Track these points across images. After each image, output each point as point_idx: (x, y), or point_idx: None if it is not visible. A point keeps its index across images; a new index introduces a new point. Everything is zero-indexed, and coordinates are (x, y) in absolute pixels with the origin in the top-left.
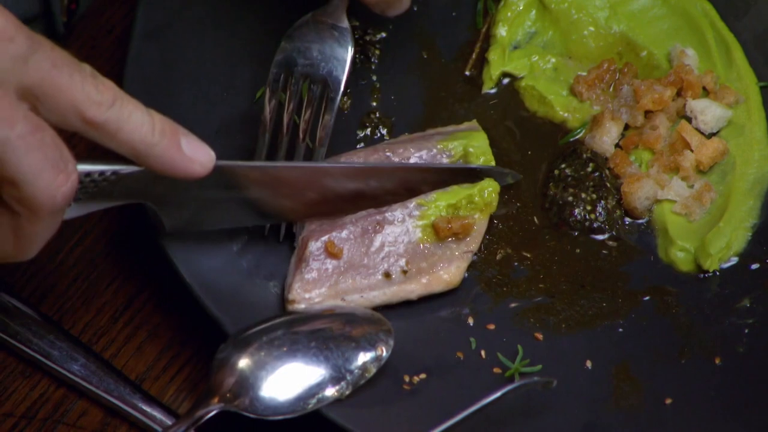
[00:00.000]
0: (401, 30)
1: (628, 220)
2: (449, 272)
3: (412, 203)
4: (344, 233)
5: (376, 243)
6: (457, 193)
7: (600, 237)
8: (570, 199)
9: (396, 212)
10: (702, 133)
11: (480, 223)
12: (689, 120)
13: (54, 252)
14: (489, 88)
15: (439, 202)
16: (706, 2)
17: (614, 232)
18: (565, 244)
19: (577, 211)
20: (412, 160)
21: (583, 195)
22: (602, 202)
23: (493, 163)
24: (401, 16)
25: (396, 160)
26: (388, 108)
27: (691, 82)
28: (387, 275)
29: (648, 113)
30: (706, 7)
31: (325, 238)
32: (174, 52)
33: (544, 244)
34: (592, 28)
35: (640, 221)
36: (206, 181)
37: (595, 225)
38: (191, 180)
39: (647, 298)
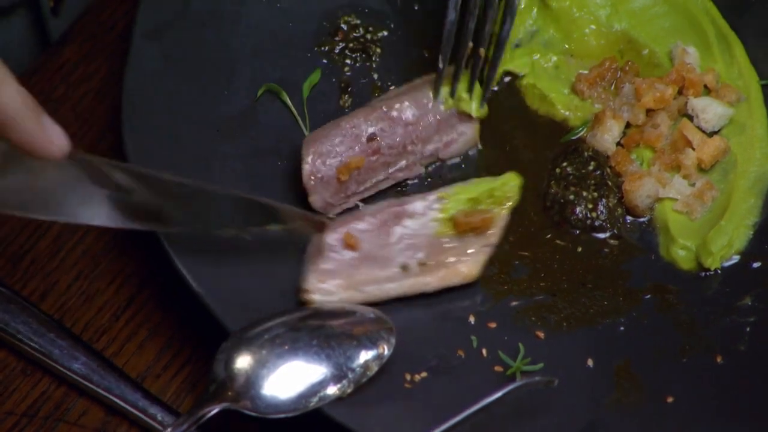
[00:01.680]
0: (402, 28)
1: (629, 218)
2: (467, 265)
3: (433, 196)
4: (363, 225)
5: (395, 235)
6: (478, 187)
7: (601, 235)
8: (571, 197)
9: (416, 205)
10: (703, 132)
11: (501, 217)
12: (691, 118)
13: (55, 250)
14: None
15: (460, 195)
16: (707, 0)
17: (615, 231)
18: (567, 242)
19: (578, 209)
20: (408, 113)
21: (585, 193)
22: (604, 200)
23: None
24: (402, 14)
25: (394, 114)
26: None
27: (692, 80)
28: (404, 268)
29: (649, 111)
30: (707, 5)
31: (343, 229)
32: (175, 51)
33: (545, 242)
34: (593, 26)
35: (642, 219)
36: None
37: (596, 223)
38: (48, 159)
39: (648, 296)
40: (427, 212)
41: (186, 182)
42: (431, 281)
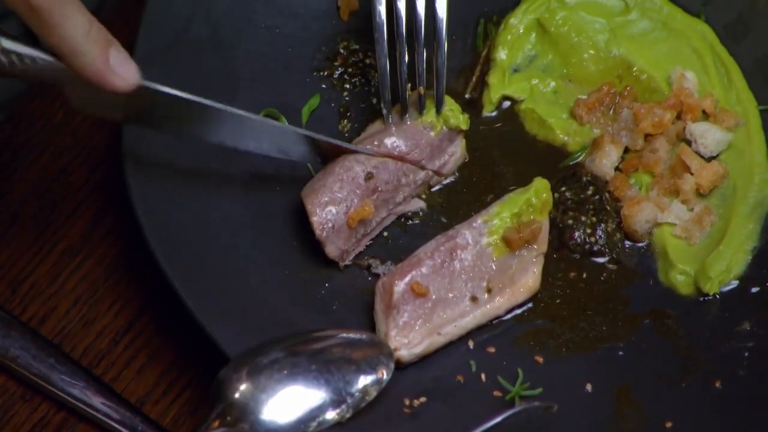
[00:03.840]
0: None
1: (628, 243)
2: (529, 279)
3: (478, 221)
4: (424, 269)
5: (456, 271)
6: (516, 201)
7: (600, 260)
8: (570, 222)
9: (465, 235)
10: (702, 157)
11: (545, 225)
12: (689, 143)
13: (54, 275)
14: (489, 111)
15: (503, 213)
16: (705, 26)
17: (614, 255)
18: (566, 267)
19: (577, 234)
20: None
21: (583, 218)
22: (602, 225)
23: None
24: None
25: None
26: None
27: (690, 105)
28: (473, 299)
29: (648, 136)
30: (705, 31)
31: (407, 279)
32: (174, 75)
33: (544, 266)
34: (592, 51)
35: (640, 244)
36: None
37: (595, 248)
38: (112, 92)
39: (647, 321)
40: (478, 239)
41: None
42: (502, 303)
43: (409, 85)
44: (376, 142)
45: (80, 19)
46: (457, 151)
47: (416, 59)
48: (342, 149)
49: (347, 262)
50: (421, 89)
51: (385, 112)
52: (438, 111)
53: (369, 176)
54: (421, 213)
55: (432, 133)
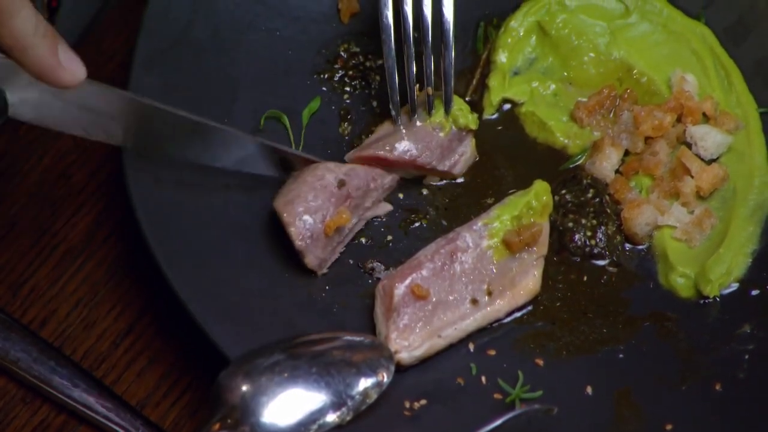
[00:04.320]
0: (401, 56)
1: (628, 245)
2: (530, 282)
3: (478, 224)
4: (425, 272)
5: (456, 273)
6: (516, 204)
7: (600, 263)
8: (570, 224)
9: (466, 238)
10: (702, 159)
11: (545, 227)
12: (689, 146)
13: (55, 278)
14: (490, 114)
15: (503, 216)
16: (705, 28)
17: (614, 258)
18: (566, 269)
19: (577, 236)
20: (413, 150)
21: (584, 221)
22: (602, 227)
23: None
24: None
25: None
26: None
27: (691, 108)
28: (474, 301)
29: (648, 139)
30: (705, 34)
31: (408, 281)
32: (174, 79)
33: (544, 269)
34: (592, 54)
35: (641, 247)
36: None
37: (595, 251)
38: (59, 88)
39: (648, 323)
40: (478, 242)
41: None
42: (502, 306)
43: (417, 86)
44: (387, 148)
45: (29, 13)
46: (467, 151)
47: (424, 60)
48: (310, 161)
49: (324, 271)
50: (430, 90)
51: (394, 113)
52: (447, 111)
53: (341, 183)
54: (383, 219)
55: (441, 134)
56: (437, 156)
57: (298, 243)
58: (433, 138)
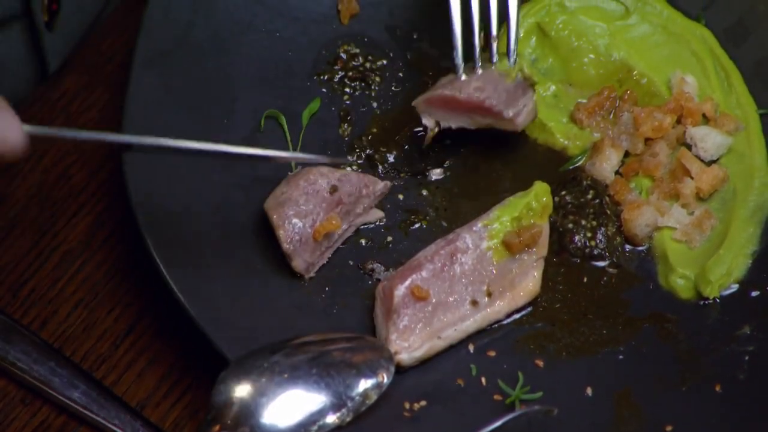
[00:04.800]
0: (402, 57)
1: (628, 247)
2: (530, 283)
3: (478, 225)
4: (425, 273)
5: (456, 274)
6: (516, 205)
7: (600, 264)
8: (570, 226)
9: (465, 239)
10: (702, 161)
11: (545, 229)
12: (689, 147)
13: (55, 279)
14: None
15: (503, 217)
16: (705, 30)
17: (614, 259)
18: (566, 270)
19: (577, 238)
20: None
21: (584, 222)
22: (602, 229)
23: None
24: (401, 43)
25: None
26: (388, 135)
27: (691, 109)
28: (474, 303)
29: (648, 140)
30: (705, 35)
31: (407, 282)
32: (175, 80)
33: (544, 270)
34: (592, 56)
35: (641, 248)
36: None
37: (595, 252)
38: None
39: (647, 325)
40: (478, 243)
41: None
42: (502, 307)
43: (482, 34)
44: (457, 88)
45: None
46: (529, 104)
47: (488, 6)
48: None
49: (311, 275)
50: (493, 37)
51: (457, 62)
52: (511, 59)
53: (333, 189)
54: (382, 222)
55: (507, 81)
56: (504, 101)
57: (286, 246)
58: (499, 83)
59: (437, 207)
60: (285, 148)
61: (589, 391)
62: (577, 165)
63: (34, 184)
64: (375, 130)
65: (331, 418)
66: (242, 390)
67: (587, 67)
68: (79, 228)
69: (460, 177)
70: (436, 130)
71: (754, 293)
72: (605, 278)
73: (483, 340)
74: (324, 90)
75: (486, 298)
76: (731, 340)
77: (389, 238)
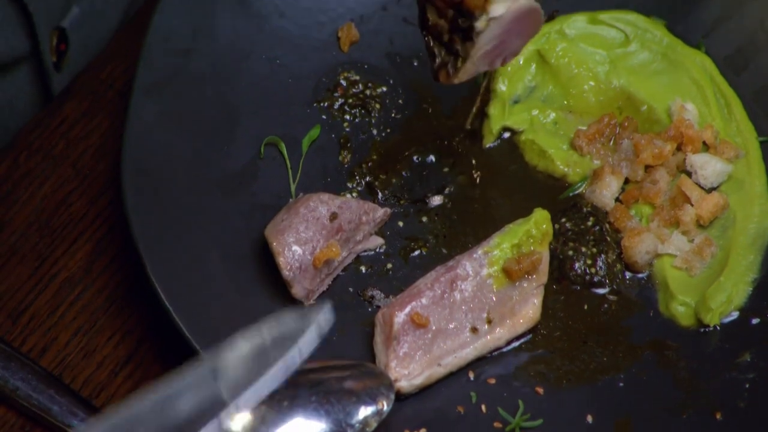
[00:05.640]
0: (401, 84)
1: (628, 274)
2: (530, 310)
3: (478, 252)
4: (424, 300)
5: (456, 301)
6: (516, 232)
7: (601, 291)
8: (570, 253)
9: (465, 266)
10: (702, 188)
11: (545, 256)
12: (689, 174)
13: (54, 306)
14: (490, 143)
15: (503, 244)
16: (705, 57)
17: (615, 287)
18: (566, 298)
19: (577, 265)
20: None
21: (584, 249)
22: (603, 256)
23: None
24: (401, 70)
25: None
26: (388, 162)
27: (691, 136)
28: (474, 330)
29: (648, 167)
30: (705, 62)
31: (407, 310)
32: (175, 107)
33: (544, 297)
34: (592, 83)
35: (641, 275)
36: None
37: (595, 279)
38: None
39: (648, 352)
40: (478, 270)
41: None
42: (502, 334)
43: None
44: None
45: None
46: None
47: None
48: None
49: (311, 302)
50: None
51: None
52: None
53: (333, 216)
54: (382, 249)
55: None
56: None
57: (286, 273)
58: None
59: (437, 234)
60: (285, 176)
61: (589, 418)
62: (577, 192)
63: (34, 211)
64: (375, 156)
65: None
66: (242, 418)
67: (587, 94)
68: (78, 255)
69: (459, 204)
70: None
71: (755, 321)
72: (605, 305)
73: (483, 368)
74: (324, 117)
75: (486, 326)
76: (732, 368)
77: (389, 265)
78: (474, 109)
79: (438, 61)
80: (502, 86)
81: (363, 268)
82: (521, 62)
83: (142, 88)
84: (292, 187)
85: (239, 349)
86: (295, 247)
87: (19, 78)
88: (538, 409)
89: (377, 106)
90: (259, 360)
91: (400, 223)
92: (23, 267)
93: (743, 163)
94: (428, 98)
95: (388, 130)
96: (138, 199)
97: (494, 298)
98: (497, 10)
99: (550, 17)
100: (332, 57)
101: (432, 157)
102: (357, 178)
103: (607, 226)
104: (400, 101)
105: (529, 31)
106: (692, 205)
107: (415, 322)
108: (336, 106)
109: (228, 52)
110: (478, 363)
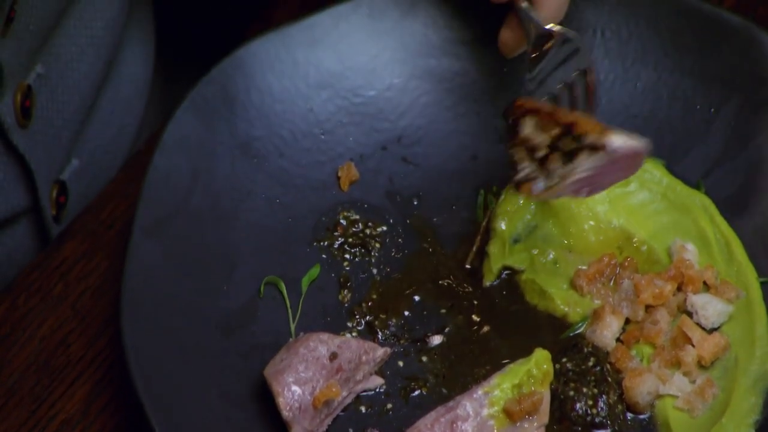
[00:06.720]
0: (402, 223)
1: (630, 414)
2: None
3: (479, 392)
4: None
5: None
6: (517, 372)
7: None
8: (572, 393)
9: (466, 406)
10: (703, 328)
11: (546, 396)
12: (690, 315)
13: None
14: (490, 281)
15: (503, 384)
16: (705, 197)
17: (616, 427)
18: None
19: (578, 405)
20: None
21: (585, 389)
22: (604, 396)
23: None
24: (401, 209)
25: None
26: (388, 301)
27: (691, 277)
28: None
29: (649, 308)
30: (705, 202)
31: None
32: (174, 247)
33: None
34: (592, 222)
35: (642, 416)
36: None
37: (597, 420)
38: None
39: None
40: (479, 410)
41: None
42: None
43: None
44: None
45: None
46: None
47: None
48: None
49: None
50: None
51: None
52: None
53: (333, 356)
54: (382, 389)
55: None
56: None
57: (286, 413)
58: None
59: (437, 374)
60: (285, 315)
61: None
62: (577, 332)
63: (32, 352)
64: (375, 296)
65: None
66: None
67: (587, 233)
68: (77, 396)
69: (460, 343)
70: None
71: None
72: None
73: None
74: (324, 256)
75: None
76: None
77: (389, 405)
78: (474, 248)
79: (524, 174)
80: (502, 225)
81: (363, 408)
82: (521, 202)
83: (142, 228)
84: (292, 327)
85: None
86: (294, 387)
87: (19, 231)
88: None
89: (377, 245)
90: None
91: (400, 363)
92: (21, 409)
93: (744, 303)
94: (428, 237)
95: (388, 269)
96: (136, 339)
97: None
98: (615, 142)
99: None
100: (332, 196)
101: (432, 297)
102: (357, 317)
103: (608, 366)
104: (400, 240)
105: (627, 172)
106: (693, 345)
107: None
108: (336, 245)
109: (227, 191)
110: None
